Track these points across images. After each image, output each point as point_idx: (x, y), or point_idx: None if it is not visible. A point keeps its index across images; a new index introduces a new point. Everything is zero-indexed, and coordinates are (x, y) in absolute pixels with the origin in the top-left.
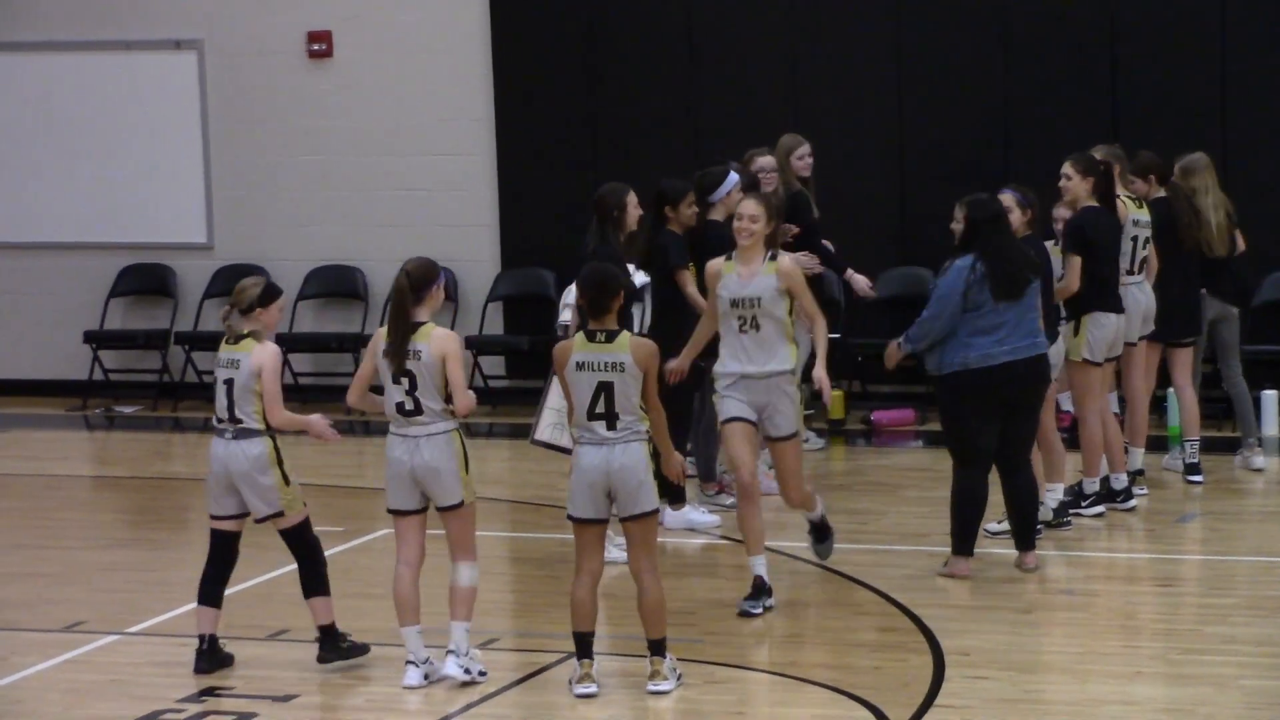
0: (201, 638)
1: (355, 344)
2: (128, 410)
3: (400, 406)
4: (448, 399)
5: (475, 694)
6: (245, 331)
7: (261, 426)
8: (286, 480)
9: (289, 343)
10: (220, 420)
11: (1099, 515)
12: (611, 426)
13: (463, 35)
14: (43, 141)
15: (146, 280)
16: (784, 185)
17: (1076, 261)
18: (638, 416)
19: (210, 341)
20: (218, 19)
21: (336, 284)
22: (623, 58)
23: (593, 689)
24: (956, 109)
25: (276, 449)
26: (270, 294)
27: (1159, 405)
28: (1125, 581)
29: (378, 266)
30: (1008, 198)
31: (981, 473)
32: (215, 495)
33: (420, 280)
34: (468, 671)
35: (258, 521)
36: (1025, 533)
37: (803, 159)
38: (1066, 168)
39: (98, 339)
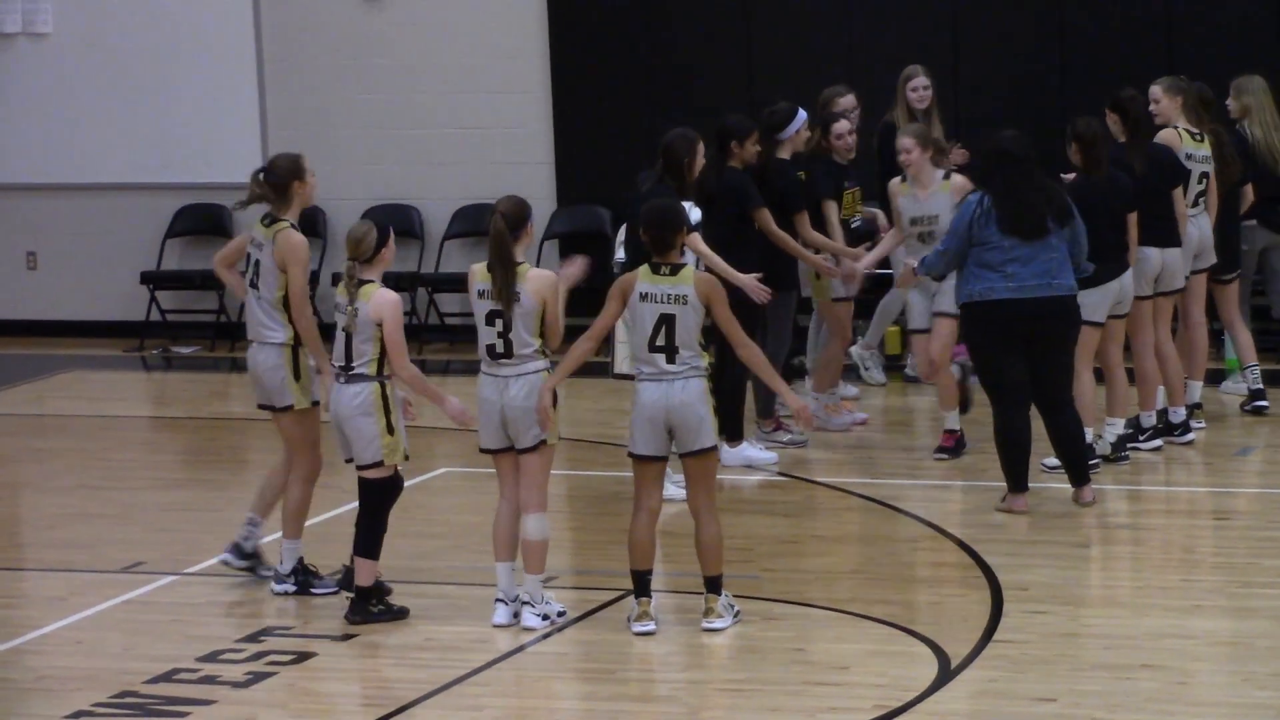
0: (360, 590)
1: (412, 283)
2: (185, 351)
3: (491, 349)
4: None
5: (532, 633)
6: (367, 279)
7: (372, 372)
8: (390, 429)
9: None
10: (336, 365)
11: (1157, 449)
12: (671, 360)
13: None
14: (99, 83)
15: (202, 220)
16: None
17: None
18: (696, 352)
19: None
20: None
21: (392, 223)
22: None
23: (651, 626)
24: (1011, 49)
25: (385, 396)
26: (384, 235)
27: (1218, 338)
28: (1183, 515)
29: (433, 205)
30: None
31: (1013, 409)
32: (339, 443)
33: (516, 219)
34: (546, 618)
35: (357, 466)
36: (1077, 469)
37: (916, 90)
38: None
39: (155, 279)
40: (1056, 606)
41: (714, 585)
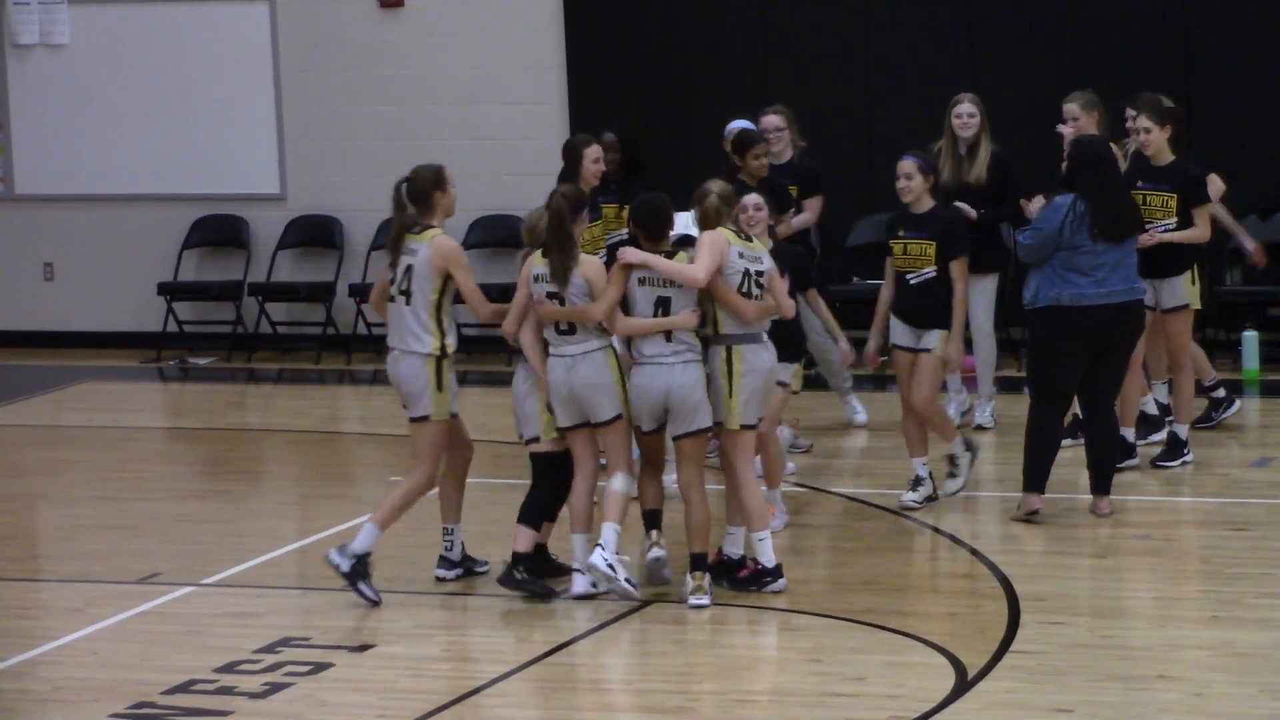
0: (515, 554)
1: None
2: (202, 362)
3: (555, 326)
4: None
5: (552, 642)
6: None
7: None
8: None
9: (362, 294)
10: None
11: (1185, 464)
12: (668, 339)
13: None
14: (116, 94)
15: (219, 232)
16: (794, 146)
17: (1207, 210)
18: (692, 335)
19: (283, 292)
20: None
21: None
22: (695, 4)
23: (662, 553)
24: (1026, 62)
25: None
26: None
27: (1234, 349)
28: (1200, 526)
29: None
30: (908, 164)
31: (1058, 415)
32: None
33: (575, 202)
34: (611, 566)
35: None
36: (1102, 477)
37: (960, 118)
38: (1143, 120)
39: (171, 290)
40: (1074, 617)
41: (700, 563)
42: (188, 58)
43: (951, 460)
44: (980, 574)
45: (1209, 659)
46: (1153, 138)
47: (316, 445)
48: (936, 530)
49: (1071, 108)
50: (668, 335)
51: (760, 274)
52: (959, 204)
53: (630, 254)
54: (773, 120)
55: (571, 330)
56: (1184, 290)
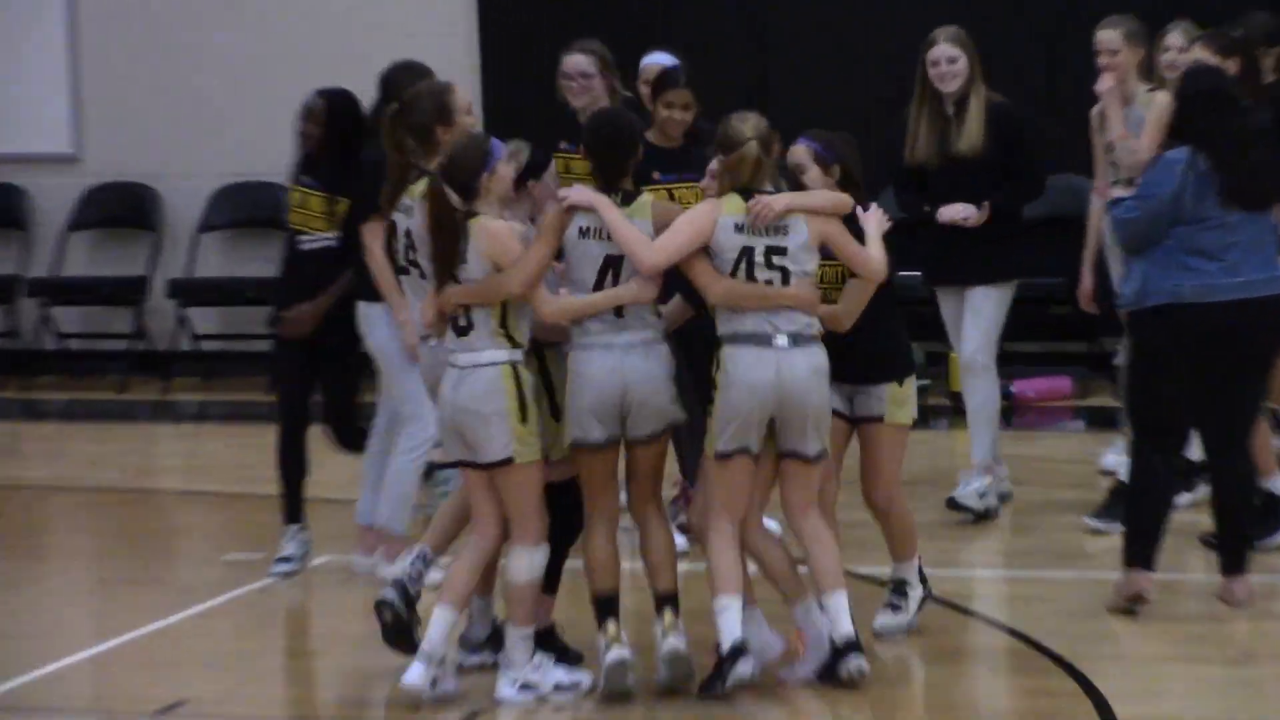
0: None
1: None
2: None
3: (454, 323)
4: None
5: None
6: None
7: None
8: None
9: (184, 294)
10: None
11: None
12: (619, 315)
13: None
14: None
15: None
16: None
17: None
18: (653, 309)
19: (76, 291)
20: None
21: (251, 207)
22: None
23: (625, 654)
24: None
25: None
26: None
27: None
28: None
29: None
30: (801, 150)
31: (1162, 452)
32: None
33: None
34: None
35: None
36: (1235, 546)
37: (938, 65)
38: (1199, 51)
39: None
40: None
41: (669, 601)
42: None
43: (897, 588)
44: (1065, 690)
45: None
46: None
47: (121, 507)
48: (1001, 626)
49: (1110, 36)
50: (619, 309)
51: (778, 251)
52: (951, 209)
53: (578, 193)
54: (578, 62)
55: (470, 328)
56: None
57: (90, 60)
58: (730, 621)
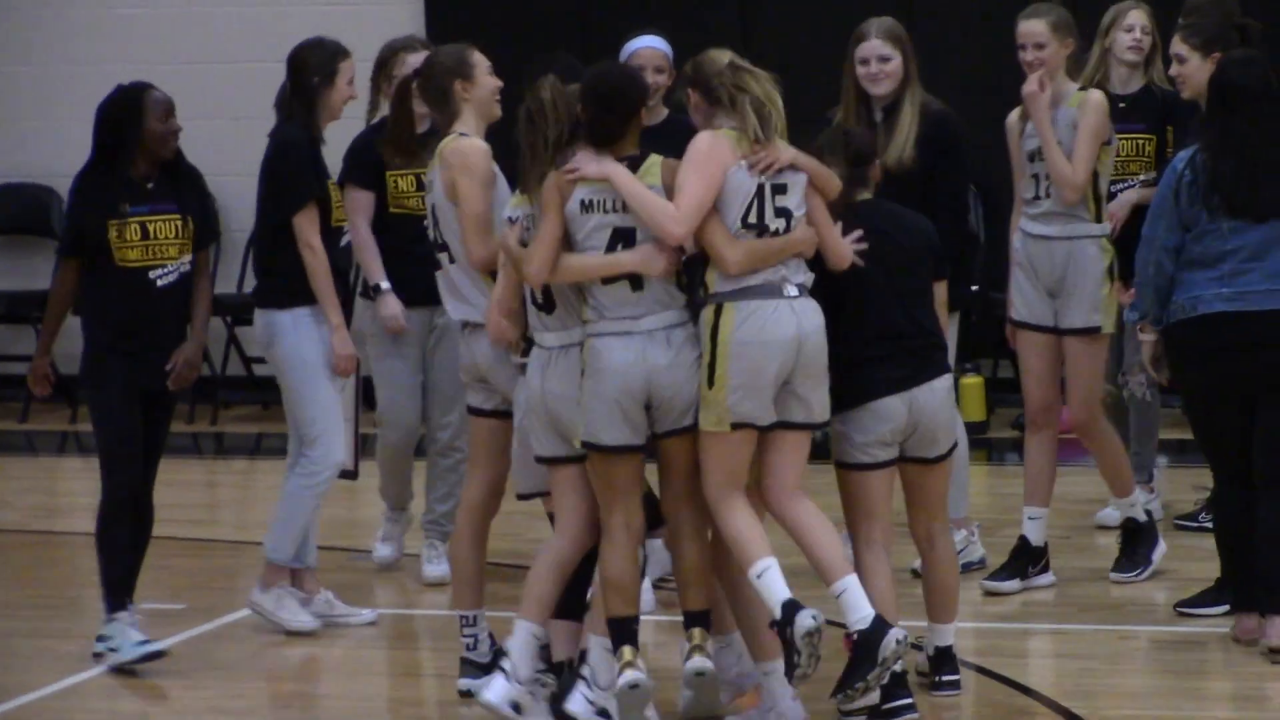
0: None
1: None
2: None
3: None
4: None
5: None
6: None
7: None
8: None
9: None
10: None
11: None
12: (636, 288)
13: None
14: None
15: None
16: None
17: None
18: (675, 282)
19: None
20: None
21: (20, 215)
22: None
23: (641, 677)
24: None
25: None
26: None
27: None
28: None
29: None
30: None
31: (1230, 479)
32: None
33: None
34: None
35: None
36: (1275, 585)
37: (867, 64)
38: (1179, 47)
39: None
40: None
41: (699, 620)
42: None
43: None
44: None
45: None
46: (1189, 69)
47: (22, 550)
48: (1031, 692)
49: (1035, 28)
50: (635, 281)
51: (780, 189)
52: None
53: (587, 162)
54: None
55: (553, 305)
56: None
57: None
58: (773, 581)
